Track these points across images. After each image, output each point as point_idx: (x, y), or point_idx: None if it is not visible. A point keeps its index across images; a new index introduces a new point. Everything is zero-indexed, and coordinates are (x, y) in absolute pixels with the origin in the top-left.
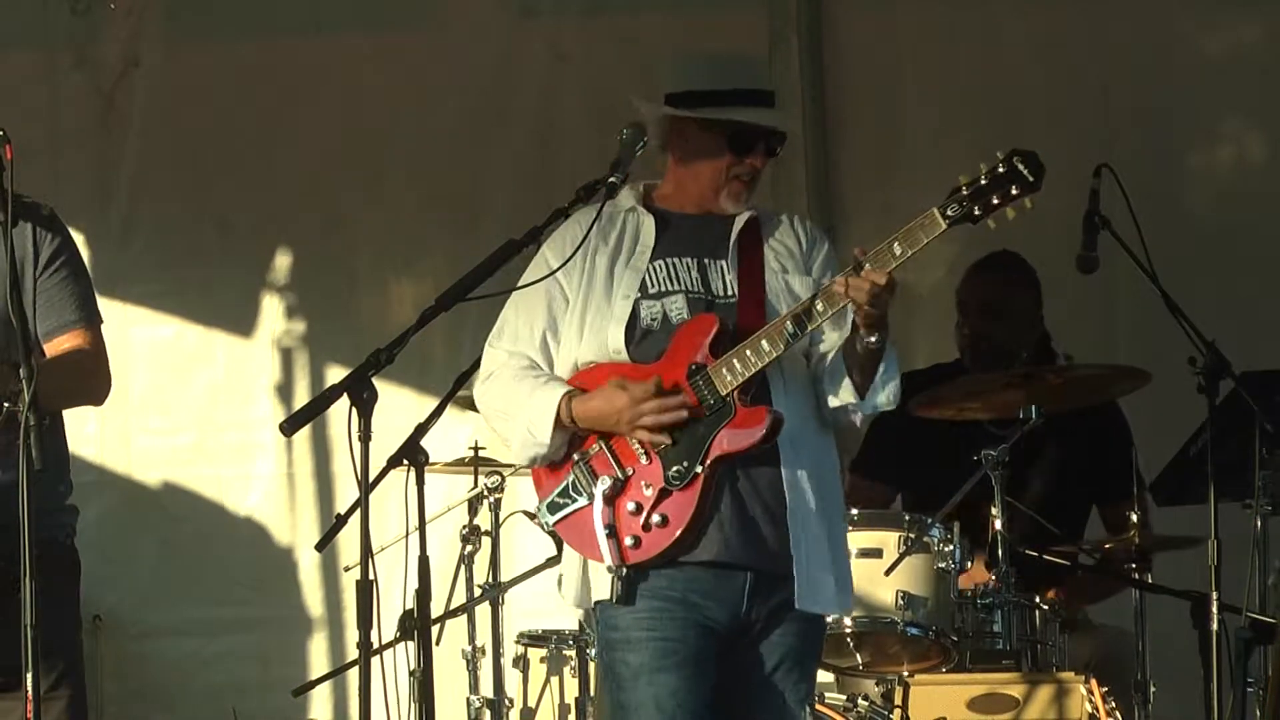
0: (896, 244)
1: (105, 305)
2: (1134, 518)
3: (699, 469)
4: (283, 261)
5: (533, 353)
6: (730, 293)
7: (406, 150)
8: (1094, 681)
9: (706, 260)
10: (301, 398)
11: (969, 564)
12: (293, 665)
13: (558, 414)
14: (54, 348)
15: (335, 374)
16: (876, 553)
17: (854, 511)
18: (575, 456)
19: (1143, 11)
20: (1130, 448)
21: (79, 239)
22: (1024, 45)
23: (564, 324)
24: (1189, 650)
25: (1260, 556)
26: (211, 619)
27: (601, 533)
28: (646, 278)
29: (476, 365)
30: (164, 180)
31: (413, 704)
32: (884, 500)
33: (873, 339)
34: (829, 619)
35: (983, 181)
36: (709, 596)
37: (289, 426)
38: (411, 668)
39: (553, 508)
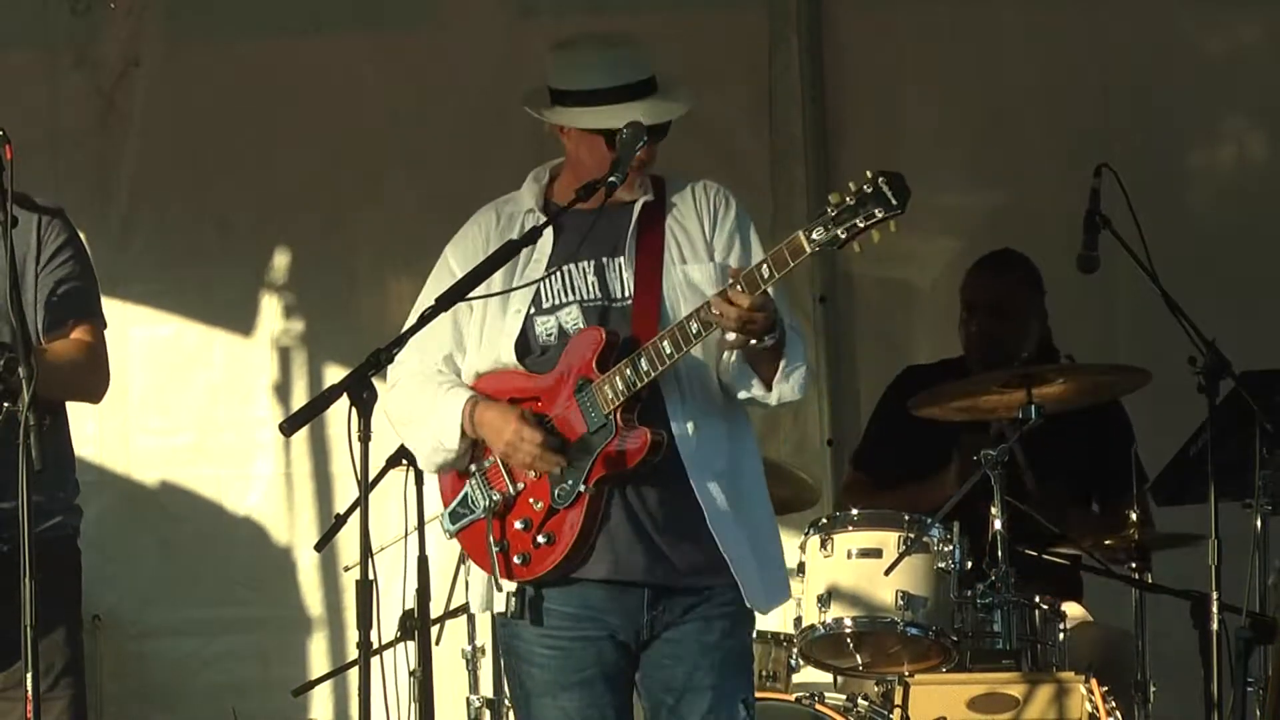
0: (765, 266)
1: (105, 304)
2: (1133, 516)
3: (582, 488)
4: (282, 261)
5: (439, 364)
6: (626, 294)
7: (406, 150)
8: (1094, 681)
9: (605, 259)
10: (300, 397)
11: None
12: (292, 665)
13: (464, 418)
14: (52, 340)
15: (334, 373)
16: (876, 553)
17: (854, 511)
18: (473, 468)
19: (1143, 11)
20: (1131, 446)
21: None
22: (1024, 45)
23: (467, 332)
24: (1189, 650)
25: (1260, 556)
26: (211, 619)
27: (492, 549)
28: (541, 289)
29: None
30: (164, 180)
31: (413, 704)
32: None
33: (756, 343)
34: (827, 621)
35: (849, 202)
36: (611, 613)
37: (289, 426)
38: (411, 668)
39: (454, 517)
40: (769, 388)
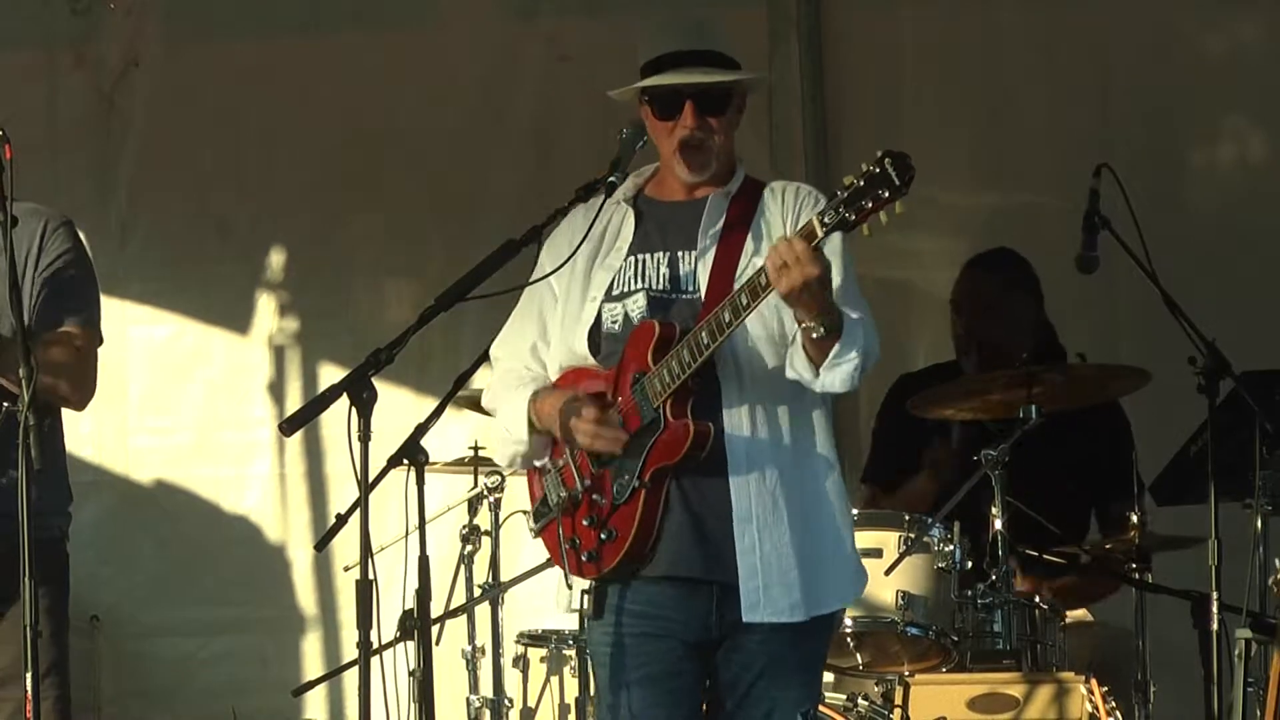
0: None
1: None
2: (1133, 519)
3: (637, 483)
4: (282, 261)
5: (525, 359)
6: (694, 288)
7: (406, 150)
8: (1094, 681)
9: (680, 253)
10: (295, 397)
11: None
12: (291, 665)
13: (528, 413)
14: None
15: (329, 372)
16: (876, 553)
17: (854, 511)
18: (548, 466)
19: (1143, 11)
20: (1131, 449)
21: None
22: (1024, 45)
23: (550, 322)
24: (1189, 650)
25: (1260, 556)
26: (209, 619)
27: (562, 547)
28: (616, 278)
29: (476, 365)
30: (163, 180)
31: (413, 704)
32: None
33: (810, 327)
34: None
35: (859, 184)
36: (676, 611)
37: (288, 426)
38: (411, 668)
39: (536, 516)
40: (816, 373)
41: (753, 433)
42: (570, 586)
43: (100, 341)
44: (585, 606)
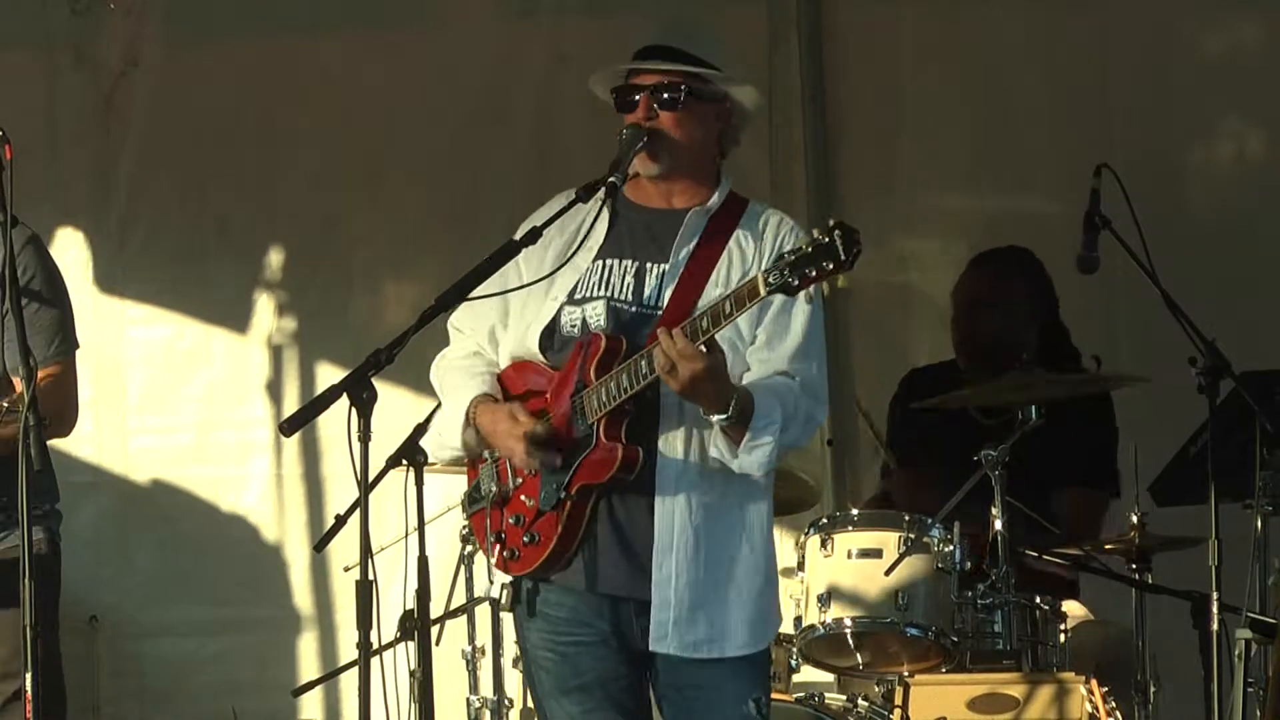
0: (727, 303)
1: (103, 304)
2: (1134, 518)
3: (563, 494)
4: (281, 261)
5: (482, 341)
6: (657, 304)
7: (405, 150)
8: (1094, 681)
9: (648, 264)
10: (292, 396)
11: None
12: (290, 665)
13: (468, 416)
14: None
15: (326, 372)
16: (876, 553)
17: (854, 511)
18: (487, 455)
19: (1143, 11)
20: (1111, 433)
21: (78, 238)
22: (1024, 45)
23: (513, 310)
24: (1189, 650)
25: (1260, 556)
26: (209, 619)
27: (489, 538)
28: (581, 280)
29: None
30: (163, 180)
31: (413, 704)
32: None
33: (717, 419)
34: (827, 621)
35: (806, 250)
36: (602, 619)
37: (289, 427)
38: (411, 668)
39: (470, 500)
40: (735, 454)
41: (685, 457)
42: (491, 579)
43: (75, 349)
44: (503, 599)
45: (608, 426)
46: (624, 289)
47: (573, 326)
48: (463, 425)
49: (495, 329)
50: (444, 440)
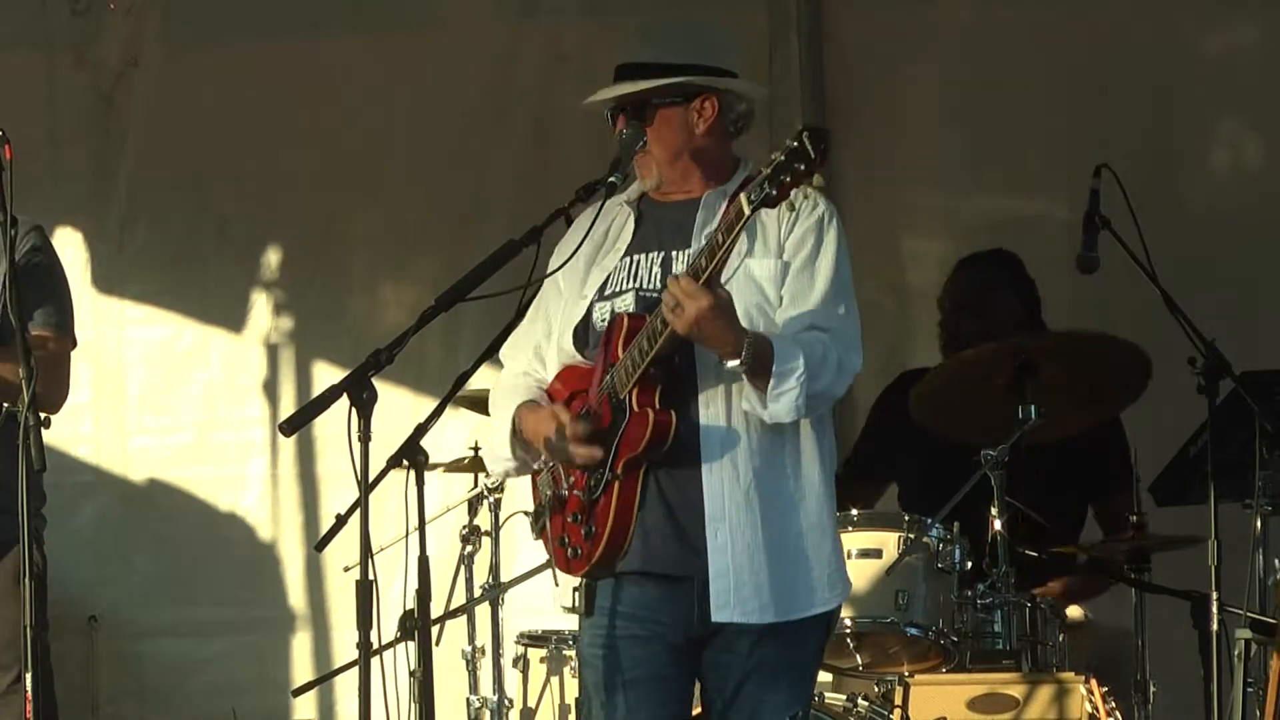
0: (718, 234)
1: (103, 304)
2: (1133, 518)
3: (609, 475)
4: (281, 261)
5: (529, 361)
6: None
7: (405, 150)
8: (1094, 681)
9: (674, 252)
10: (288, 396)
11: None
12: (290, 665)
13: (513, 426)
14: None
15: (322, 371)
16: (876, 553)
17: (854, 512)
18: (541, 465)
19: (1142, 11)
20: (1128, 452)
21: (77, 238)
22: (1024, 45)
23: (555, 326)
24: (1189, 650)
25: (1260, 556)
26: (208, 619)
27: (552, 545)
28: (610, 277)
29: (476, 365)
30: (162, 180)
31: (412, 704)
32: (875, 494)
33: (732, 367)
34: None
35: (779, 158)
36: (661, 612)
37: (289, 427)
38: (411, 668)
39: (535, 517)
40: (765, 405)
41: (728, 423)
42: (558, 584)
43: (73, 345)
44: (578, 604)
45: (640, 396)
46: (651, 279)
47: (603, 321)
48: (509, 436)
49: (540, 346)
50: (496, 454)
